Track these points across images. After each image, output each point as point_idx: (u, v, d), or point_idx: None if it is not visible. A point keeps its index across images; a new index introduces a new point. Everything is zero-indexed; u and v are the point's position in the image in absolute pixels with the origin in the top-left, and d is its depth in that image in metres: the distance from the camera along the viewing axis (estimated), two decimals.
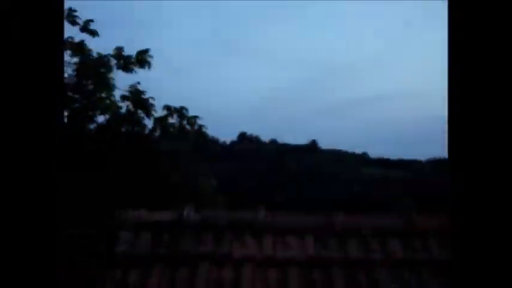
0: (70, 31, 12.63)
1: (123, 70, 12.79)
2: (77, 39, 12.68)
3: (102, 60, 12.41)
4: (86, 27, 12.64)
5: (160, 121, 12.20)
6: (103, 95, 12.40)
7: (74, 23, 12.57)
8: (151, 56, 12.85)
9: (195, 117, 12.66)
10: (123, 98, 12.27)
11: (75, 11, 12.69)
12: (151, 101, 12.28)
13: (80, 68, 12.51)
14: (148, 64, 12.83)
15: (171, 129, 12.21)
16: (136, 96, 12.23)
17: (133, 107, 12.19)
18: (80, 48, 12.56)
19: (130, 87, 12.71)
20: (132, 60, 12.82)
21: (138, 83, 12.72)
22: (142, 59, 12.74)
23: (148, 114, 12.16)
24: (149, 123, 12.59)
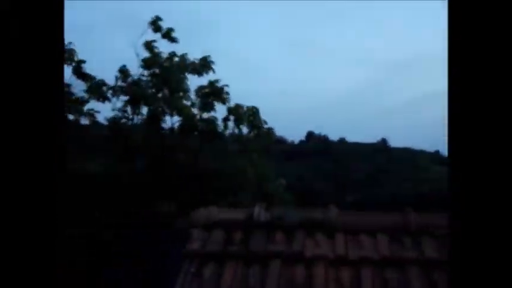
0: (153, 36, 13.10)
1: (192, 74, 13.11)
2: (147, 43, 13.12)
3: (179, 64, 12.79)
4: (167, 35, 13.10)
5: (233, 110, 12.38)
6: (177, 96, 12.75)
7: (157, 29, 13.07)
8: (212, 62, 13.13)
9: (263, 121, 12.81)
10: (199, 92, 12.58)
11: (161, 19, 13.16)
12: (226, 89, 12.53)
13: (157, 73, 12.93)
14: (212, 68, 13.12)
15: (244, 118, 12.34)
16: (211, 86, 12.52)
17: (209, 96, 12.46)
18: (154, 55, 12.97)
19: (203, 87, 12.98)
20: (200, 63, 13.12)
21: (215, 81, 12.97)
22: (205, 64, 13.02)
23: (224, 102, 12.42)
24: (222, 115, 12.84)
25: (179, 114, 12.95)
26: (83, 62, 12.71)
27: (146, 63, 13.01)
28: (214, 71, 13.02)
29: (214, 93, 12.60)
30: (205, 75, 13.13)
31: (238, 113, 12.43)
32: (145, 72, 13.09)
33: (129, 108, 13.05)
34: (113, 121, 13.08)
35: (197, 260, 4.45)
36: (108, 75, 13.42)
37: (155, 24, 13.14)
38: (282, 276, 4.28)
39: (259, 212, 4.80)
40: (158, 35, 13.17)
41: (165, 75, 12.93)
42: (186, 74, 13.11)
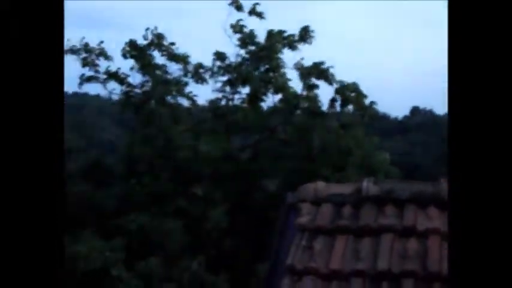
0: (238, 16, 13.20)
1: (288, 48, 13.04)
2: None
3: (275, 40, 12.81)
4: (253, 11, 13.14)
5: (340, 91, 12.27)
6: (276, 74, 12.82)
7: (239, 8, 13.14)
8: (312, 31, 12.95)
9: (364, 95, 12.55)
10: (301, 71, 12.56)
11: None
12: (331, 70, 12.43)
13: (252, 52, 13.06)
14: (310, 39, 12.94)
15: (349, 98, 12.20)
16: (316, 67, 12.47)
17: (313, 77, 12.42)
18: (246, 33, 13.07)
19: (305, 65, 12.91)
20: (296, 38, 13.01)
21: (302, 59, 12.87)
22: (305, 35, 12.87)
23: (331, 83, 12.34)
24: (326, 97, 12.76)
25: (279, 93, 13.00)
26: (173, 44, 13.06)
27: (241, 42, 13.12)
28: (310, 43, 12.84)
29: (318, 73, 12.50)
30: (301, 48, 13.02)
31: (345, 93, 12.28)
32: (242, 52, 13.22)
33: (228, 89, 13.30)
34: (214, 102, 13.42)
35: (307, 233, 4.50)
36: (199, 57, 13.72)
37: (236, 2, 13.11)
38: (393, 249, 4.23)
39: (368, 186, 4.75)
40: (244, 14, 13.18)
41: (261, 53, 12.98)
42: (282, 49, 13.09)
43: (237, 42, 13.03)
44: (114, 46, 13.47)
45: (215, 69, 13.17)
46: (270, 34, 12.95)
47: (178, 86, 13.06)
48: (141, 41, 13.01)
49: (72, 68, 13.19)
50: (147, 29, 12.94)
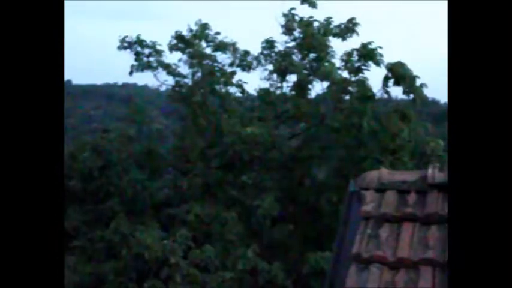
0: (292, 4, 13.15)
1: (337, 38, 12.91)
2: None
3: (323, 29, 12.72)
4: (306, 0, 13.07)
5: (393, 67, 12.05)
6: (324, 63, 12.72)
7: None
8: (357, 24, 12.78)
9: (416, 76, 12.27)
10: (349, 54, 12.41)
11: None
12: (379, 50, 12.23)
13: (301, 39, 12.98)
14: (356, 31, 12.79)
15: (403, 76, 11.96)
16: (364, 48, 12.30)
17: (361, 60, 12.25)
18: (297, 21, 13.00)
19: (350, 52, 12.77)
20: (346, 25, 12.86)
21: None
22: (350, 27, 12.72)
23: (378, 64, 12.15)
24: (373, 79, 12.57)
25: (327, 80, 12.89)
26: (218, 33, 13.11)
27: (289, 31, 13.06)
28: (358, 34, 12.71)
29: (366, 55, 12.34)
30: (349, 39, 12.89)
31: (397, 71, 12.05)
32: (290, 40, 13.17)
33: (276, 77, 13.29)
34: (262, 90, 13.43)
35: (372, 221, 4.46)
36: (250, 46, 13.73)
37: None
38: None
39: (434, 173, 4.66)
40: (296, 3, 13.13)
41: (309, 42, 12.90)
42: (330, 38, 12.98)
43: (287, 31, 13.01)
44: (162, 37, 13.69)
45: (263, 57, 13.19)
46: (319, 23, 12.88)
47: (227, 75, 13.14)
48: (187, 33, 13.16)
49: (124, 60, 13.47)
50: (196, 21, 13.07)
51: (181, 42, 13.02)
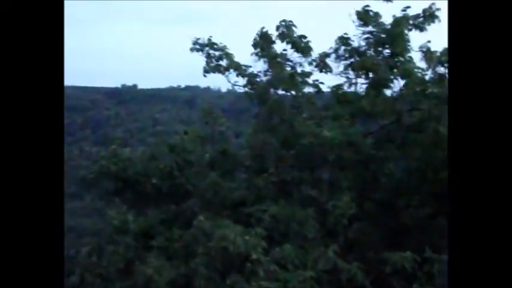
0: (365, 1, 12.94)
1: (415, 29, 12.57)
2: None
3: (399, 22, 12.42)
4: None
5: None
6: (401, 59, 12.42)
7: None
8: (438, 9, 12.36)
9: None
10: (427, 55, 12.08)
11: None
12: None
13: (377, 36, 12.74)
14: (437, 17, 12.35)
15: None
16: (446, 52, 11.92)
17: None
18: (370, 16, 12.77)
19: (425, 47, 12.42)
20: (420, 18, 12.50)
21: (429, 42, 12.34)
22: (430, 14, 12.32)
23: None
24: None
25: (405, 78, 12.59)
26: (304, 37, 13.06)
27: (364, 26, 12.84)
28: (440, 20, 12.28)
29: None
30: (428, 28, 12.51)
31: None
32: (364, 37, 12.96)
33: (351, 74, 13.11)
34: (337, 88, 13.28)
35: None
36: (323, 44, 13.60)
37: None
38: None
39: None
40: None
41: (385, 37, 12.65)
42: (407, 31, 12.66)
43: (361, 27, 12.82)
44: (232, 40, 13.85)
45: (338, 54, 13.05)
46: (395, 17, 12.61)
47: (303, 75, 13.10)
48: (266, 31, 13.21)
49: (188, 63, 13.73)
50: (280, 22, 13.10)
51: (262, 41, 13.08)
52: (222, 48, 13.48)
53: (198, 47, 13.37)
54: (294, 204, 11.84)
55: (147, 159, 13.29)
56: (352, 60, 12.98)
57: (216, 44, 13.42)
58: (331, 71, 13.25)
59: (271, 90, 13.08)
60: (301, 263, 10.33)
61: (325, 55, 13.12)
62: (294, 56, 13.23)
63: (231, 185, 13.19)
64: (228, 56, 13.45)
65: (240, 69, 13.43)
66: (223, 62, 13.43)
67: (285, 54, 13.18)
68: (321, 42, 14.34)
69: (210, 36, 13.37)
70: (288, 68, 13.14)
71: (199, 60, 13.57)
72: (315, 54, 13.23)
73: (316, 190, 12.45)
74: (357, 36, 12.91)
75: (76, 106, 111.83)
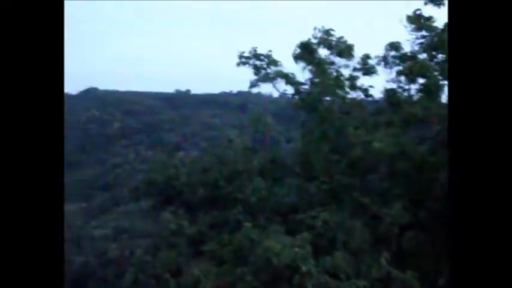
0: (416, 5, 12.70)
1: None
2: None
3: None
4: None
5: None
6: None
7: None
8: None
9: None
10: None
11: None
12: None
13: (427, 40, 12.48)
14: None
15: None
16: None
17: None
18: (424, 22, 12.51)
19: None
20: None
21: None
22: None
23: None
24: None
25: None
26: (342, 38, 12.93)
27: (415, 32, 12.61)
28: None
29: None
30: None
31: None
32: (416, 41, 12.71)
33: (403, 79, 12.87)
34: (389, 93, 13.05)
35: None
36: (372, 50, 13.41)
37: None
38: None
39: None
40: (420, 3, 12.63)
41: (437, 42, 12.37)
42: None
43: (413, 32, 12.59)
44: (280, 44, 13.87)
45: (389, 60, 12.86)
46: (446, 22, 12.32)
47: (351, 80, 12.97)
48: (307, 40, 13.20)
49: (240, 70, 13.85)
50: (315, 28, 13.07)
51: (304, 50, 13.06)
52: (268, 57, 13.52)
53: (243, 60, 13.51)
54: (345, 211, 11.71)
55: (198, 166, 13.49)
56: (403, 65, 12.75)
57: (262, 54, 13.51)
58: (377, 74, 13.07)
59: (319, 97, 13.00)
60: (354, 272, 10.20)
61: (373, 60, 12.96)
62: (337, 60, 13.14)
63: (281, 191, 13.19)
64: (275, 64, 13.47)
65: (287, 78, 13.44)
66: (270, 71, 13.47)
67: (329, 60, 13.09)
68: (368, 44, 14.16)
69: (255, 48, 13.48)
70: (334, 74, 13.04)
71: (249, 69, 13.69)
72: (359, 57, 13.10)
73: (367, 197, 12.27)
74: (409, 41, 12.69)
75: (132, 111, 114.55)
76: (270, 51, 13.54)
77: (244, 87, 14.43)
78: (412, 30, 12.63)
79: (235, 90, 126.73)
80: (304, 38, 13.25)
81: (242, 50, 13.43)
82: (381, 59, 12.99)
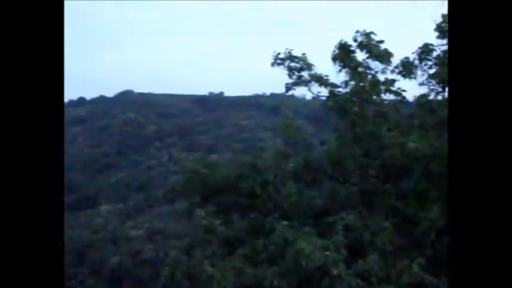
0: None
1: None
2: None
3: None
4: None
5: None
6: None
7: None
8: None
9: None
10: None
11: None
12: None
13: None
14: None
15: None
16: None
17: None
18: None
19: None
20: None
21: None
22: None
23: None
24: None
25: None
26: (381, 42, 12.84)
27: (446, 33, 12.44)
28: None
29: None
30: None
31: None
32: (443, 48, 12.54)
33: (435, 82, 12.72)
34: (422, 97, 12.92)
35: None
36: (405, 52, 13.28)
37: None
38: None
39: None
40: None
41: None
42: None
43: (442, 34, 12.43)
44: (313, 48, 13.86)
45: (422, 62, 12.75)
46: None
47: (386, 84, 12.89)
48: (346, 41, 13.15)
49: (273, 72, 13.93)
50: (357, 31, 13.01)
51: (343, 52, 13.04)
52: (303, 59, 13.52)
53: (279, 61, 13.54)
54: (377, 214, 11.65)
55: (232, 170, 13.62)
56: (436, 68, 12.61)
57: (296, 57, 13.51)
58: (415, 78, 12.94)
59: (354, 100, 12.95)
60: (384, 276, 10.13)
61: (408, 62, 12.85)
62: (375, 64, 13.05)
63: (313, 194, 13.20)
64: (310, 67, 13.47)
65: (321, 80, 13.42)
66: (305, 73, 13.47)
67: (365, 64, 13.03)
68: (404, 46, 14.04)
69: (290, 50, 13.48)
70: (370, 77, 12.98)
71: (283, 71, 13.72)
72: (396, 60, 13.00)
73: (400, 201, 12.17)
74: (440, 44, 12.55)
75: (166, 113, 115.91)
76: (304, 53, 13.54)
77: (278, 89, 14.54)
78: (441, 31, 12.48)
79: (268, 92, 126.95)
80: (344, 40, 13.19)
81: (278, 51, 13.46)
82: (414, 61, 12.88)
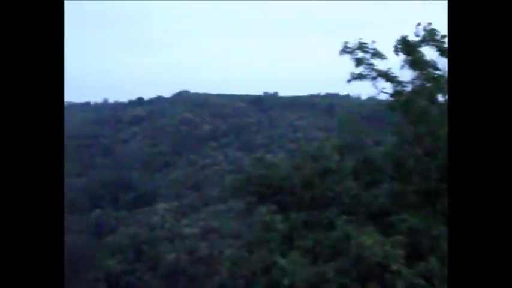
0: None
1: None
2: None
3: None
4: None
5: None
6: None
7: None
8: None
9: None
10: None
11: None
12: None
13: None
14: None
15: None
16: None
17: None
18: None
19: None
20: None
21: None
22: None
23: None
24: None
25: None
26: (445, 37, 12.52)
27: None
28: None
29: None
30: None
31: None
32: None
33: None
34: None
35: None
36: None
37: None
38: None
39: None
40: None
41: None
42: None
43: None
44: (384, 44, 13.63)
45: None
46: None
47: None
48: (412, 37, 12.91)
49: (334, 70, 13.82)
50: (419, 24, 12.76)
51: (406, 46, 12.78)
52: (374, 49, 13.22)
53: (348, 50, 13.25)
54: (438, 215, 11.48)
55: (289, 167, 13.68)
56: None
57: (367, 46, 13.21)
58: None
59: (416, 98, 12.73)
60: (443, 278, 9.99)
61: None
62: (440, 60, 12.75)
63: (373, 193, 13.12)
64: (380, 56, 13.13)
65: (388, 76, 13.15)
66: (374, 63, 13.16)
67: (432, 62, 12.75)
68: None
69: (361, 39, 13.22)
70: (436, 74, 12.70)
71: (341, 67, 13.58)
72: None
73: None
74: None
75: (220, 113, 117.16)
76: (374, 41, 13.24)
77: (332, 89, 14.46)
78: None
79: (323, 92, 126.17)
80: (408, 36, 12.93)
81: (346, 41, 13.23)
82: None
